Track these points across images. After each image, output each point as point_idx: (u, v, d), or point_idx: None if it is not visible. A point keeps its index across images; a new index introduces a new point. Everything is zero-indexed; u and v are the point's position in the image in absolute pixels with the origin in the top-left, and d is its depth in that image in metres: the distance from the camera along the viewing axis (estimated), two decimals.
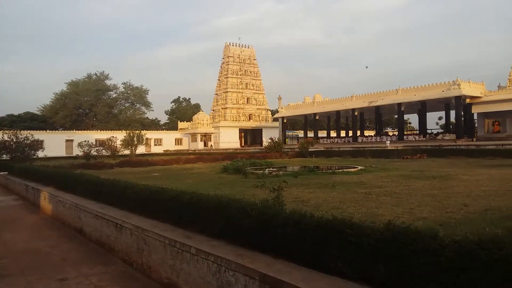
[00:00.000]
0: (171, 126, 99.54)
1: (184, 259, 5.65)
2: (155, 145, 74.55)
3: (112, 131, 68.49)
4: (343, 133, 61.92)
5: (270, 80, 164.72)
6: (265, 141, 54.85)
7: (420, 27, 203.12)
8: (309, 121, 64.24)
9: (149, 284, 6.44)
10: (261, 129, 76.89)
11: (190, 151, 58.09)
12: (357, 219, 4.39)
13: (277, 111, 71.50)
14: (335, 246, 3.89)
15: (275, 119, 71.82)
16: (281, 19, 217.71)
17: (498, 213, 6.99)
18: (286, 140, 66.36)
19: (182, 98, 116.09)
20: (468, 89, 41.08)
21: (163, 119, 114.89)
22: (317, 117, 59.99)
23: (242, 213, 5.06)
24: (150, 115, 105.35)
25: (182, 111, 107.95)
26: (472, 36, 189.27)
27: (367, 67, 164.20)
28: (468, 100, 41.85)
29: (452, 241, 3.11)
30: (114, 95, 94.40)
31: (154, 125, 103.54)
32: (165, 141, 76.52)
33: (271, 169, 21.26)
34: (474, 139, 40.78)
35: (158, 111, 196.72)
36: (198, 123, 72.80)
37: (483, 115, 43.40)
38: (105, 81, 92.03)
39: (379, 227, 3.63)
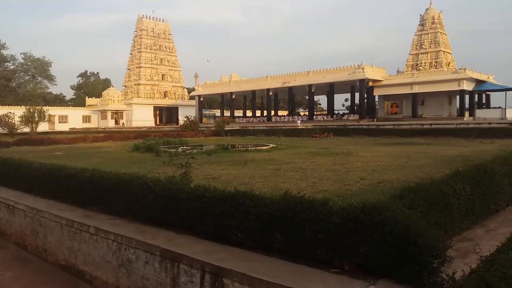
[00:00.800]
0: (78, 102, 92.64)
1: (83, 240, 5.38)
2: (59, 122, 68.84)
3: (10, 106, 61.74)
4: (258, 113, 63.04)
5: (186, 57, 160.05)
6: (181, 119, 53.73)
7: (331, 12, 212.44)
8: (226, 100, 64.29)
9: (44, 268, 6.03)
10: (177, 107, 74.97)
11: (99, 129, 54.77)
12: (261, 192, 4.51)
13: (193, 89, 70.21)
14: (237, 218, 3.98)
15: (192, 97, 70.44)
16: None
17: (389, 185, 7.66)
18: (205, 119, 65.77)
19: (90, 73, 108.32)
20: (371, 73, 44.23)
21: (69, 94, 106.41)
22: (233, 96, 60.22)
23: (145, 189, 4.92)
24: (54, 89, 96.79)
25: (91, 87, 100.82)
26: (376, 23, 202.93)
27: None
28: (370, 83, 45.08)
29: (340, 208, 3.34)
30: (11, 67, 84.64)
31: (59, 100, 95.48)
32: (72, 118, 71.03)
33: (185, 147, 20.95)
34: (375, 119, 44.23)
35: (63, 86, 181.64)
36: (108, 99, 68.59)
37: (383, 98, 47.21)
38: (1, 51, 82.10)
39: (277, 198, 3.78)
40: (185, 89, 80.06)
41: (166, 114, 77.98)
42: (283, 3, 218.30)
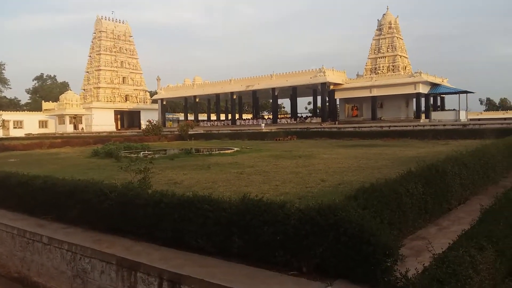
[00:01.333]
0: (34, 106, 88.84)
1: (36, 250, 5.14)
2: (14, 128, 65.77)
3: None
4: (223, 116, 62.81)
5: (148, 59, 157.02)
6: (144, 124, 52.69)
7: (293, 16, 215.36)
8: (189, 104, 63.62)
9: None
10: (139, 111, 73.36)
11: (57, 135, 52.74)
12: (222, 196, 4.47)
13: (156, 93, 69.10)
14: (195, 223, 3.93)
15: (154, 101, 69.27)
16: None
17: (349, 186, 7.82)
18: (170, 123, 64.78)
19: (47, 75, 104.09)
20: (332, 77, 45.23)
21: (24, 98, 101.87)
22: (197, 100, 59.67)
23: (100, 196, 4.76)
24: (8, 93, 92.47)
25: (47, 90, 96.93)
26: (337, 27, 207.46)
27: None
28: (332, 87, 46.08)
29: (297, 210, 3.37)
30: None
31: (13, 105, 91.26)
32: (27, 124, 68.06)
33: (147, 152, 20.53)
34: (337, 122, 45.21)
35: (18, 90, 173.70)
36: (66, 103, 66.10)
37: (344, 101, 48.38)
38: None
39: (235, 201, 3.76)
40: (147, 93, 78.60)
41: (128, 118, 76.26)
42: (245, 6, 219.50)
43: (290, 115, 53.96)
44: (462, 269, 2.94)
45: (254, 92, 51.77)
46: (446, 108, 45.58)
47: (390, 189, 4.19)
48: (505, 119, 50.37)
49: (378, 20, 47.46)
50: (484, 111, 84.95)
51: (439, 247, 3.56)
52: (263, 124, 44.59)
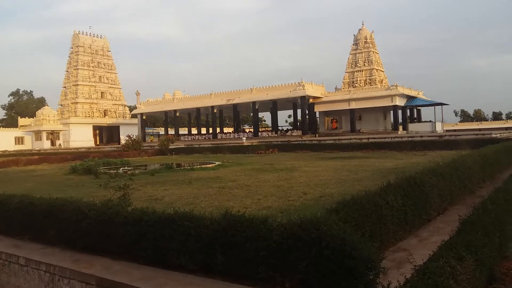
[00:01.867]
0: (10, 122, 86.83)
1: (12, 272, 4.96)
2: None
3: None
4: (204, 130, 62.66)
5: (128, 74, 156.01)
6: (123, 139, 51.98)
7: (273, 31, 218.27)
8: (170, 118, 63.25)
9: None
10: (119, 126, 72.49)
11: (34, 151, 51.46)
12: (204, 211, 4.43)
13: (135, 107, 68.56)
14: (177, 241, 3.88)
15: (134, 116, 68.67)
16: (137, 10, 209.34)
17: (330, 199, 7.87)
18: (151, 137, 64.19)
19: (23, 91, 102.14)
20: (311, 90, 45.86)
21: None
22: (177, 114, 59.41)
23: (78, 214, 4.66)
24: None
25: (23, 106, 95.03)
26: (315, 42, 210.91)
27: None
28: (311, 100, 46.68)
29: (279, 225, 3.37)
30: None
31: None
32: (3, 140, 66.27)
33: (126, 168, 20.22)
34: (317, 135, 45.70)
35: None
36: (43, 119, 64.84)
37: (324, 114, 49.02)
38: None
39: (217, 218, 3.74)
40: (126, 107, 77.85)
41: (107, 133, 75.16)
42: (226, 22, 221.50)
43: (271, 128, 54.18)
44: (443, 280, 2.98)
45: (235, 106, 51.91)
46: (422, 119, 46.63)
47: (370, 202, 4.24)
48: (479, 129, 52.07)
49: (354, 35, 48.52)
50: (459, 122, 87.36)
51: (420, 258, 3.60)
52: (245, 138, 44.65)
